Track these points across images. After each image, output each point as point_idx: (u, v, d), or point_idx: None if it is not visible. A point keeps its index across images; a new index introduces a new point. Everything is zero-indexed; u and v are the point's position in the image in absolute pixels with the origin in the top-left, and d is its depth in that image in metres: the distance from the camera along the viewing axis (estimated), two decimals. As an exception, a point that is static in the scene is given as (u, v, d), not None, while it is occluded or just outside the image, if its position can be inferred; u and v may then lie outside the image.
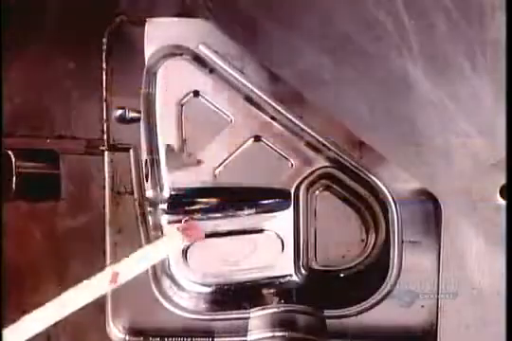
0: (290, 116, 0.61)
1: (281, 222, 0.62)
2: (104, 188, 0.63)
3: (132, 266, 0.54)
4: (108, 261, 0.63)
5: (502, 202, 0.56)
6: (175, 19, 0.60)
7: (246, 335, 0.61)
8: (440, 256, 0.57)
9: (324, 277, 0.63)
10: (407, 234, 0.60)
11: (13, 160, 0.62)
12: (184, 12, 0.60)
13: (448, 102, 0.54)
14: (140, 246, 0.63)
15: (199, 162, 0.61)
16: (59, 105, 0.63)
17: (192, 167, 0.61)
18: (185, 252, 0.62)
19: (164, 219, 0.62)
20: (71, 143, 0.63)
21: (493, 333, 0.56)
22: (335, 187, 0.63)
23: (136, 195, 0.63)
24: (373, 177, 0.61)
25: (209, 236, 0.62)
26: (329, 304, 0.62)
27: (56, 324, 0.51)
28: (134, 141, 0.63)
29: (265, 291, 0.63)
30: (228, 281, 0.63)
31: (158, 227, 0.62)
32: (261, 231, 0.63)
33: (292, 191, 0.62)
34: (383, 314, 0.60)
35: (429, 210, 0.60)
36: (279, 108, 0.61)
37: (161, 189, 0.61)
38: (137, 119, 0.62)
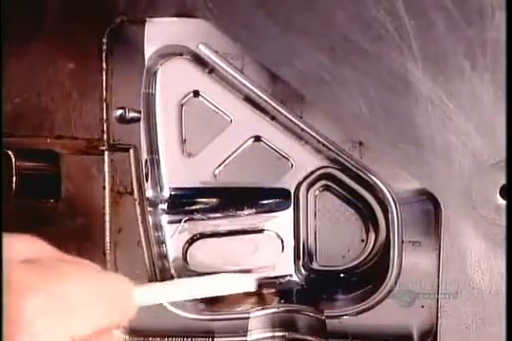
0: (290, 116, 0.61)
1: (281, 222, 0.62)
2: (104, 188, 0.63)
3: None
4: (108, 261, 0.63)
5: (503, 202, 0.56)
6: (175, 19, 0.60)
7: (246, 335, 0.61)
8: (440, 256, 0.57)
9: (324, 277, 0.63)
10: (407, 234, 0.60)
11: (13, 160, 0.62)
12: (184, 12, 0.60)
13: (447, 102, 0.54)
14: (140, 246, 0.63)
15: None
16: (59, 105, 0.63)
17: (192, 167, 0.61)
18: (185, 252, 0.62)
19: (164, 219, 0.62)
20: (71, 143, 0.63)
21: (493, 333, 0.56)
22: (335, 187, 0.63)
23: (136, 195, 0.63)
24: (373, 177, 0.61)
25: (209, 236, 0.62)
26: (329, 304, 0.62)
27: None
28: (134, 141, 0.63)
29: (265, 291, 0.63)
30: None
31: (158, 227, 0.62)
32: (261, 231, 0.63)
33: (292, 191, 0.62)
34: (383, 314, 0.60)
35: (429, 210, 0.60)
36: (279, 108, 0.61)
37: (161, 189, 0.61)
38: (137, 119, 0.62)
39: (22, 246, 0.36)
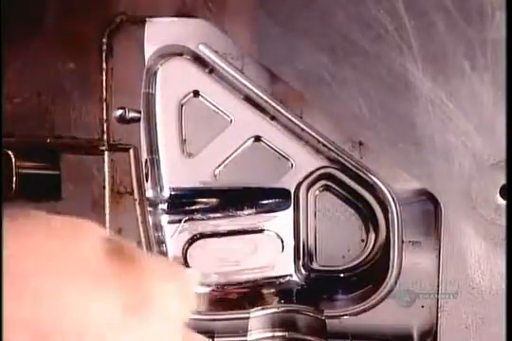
0: (290, 116, 0.61)
1: (281, 222, 0.62)
2: (104, 188, 0.63)
3: None
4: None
5: (503, 202, 0.56)
6: (175, 19, 0.60)
7: (246, 335, 0.61)
8: (440, 256, 0.57)
9: (324, 277, 0.63)
10: (407, 234, 0.60)
11: (13, 160, 0.62)
12: (184, 12, 0.60)
13: (447, 102, 0.54)
14: (140, 246, 0.63)
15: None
16: (59, 105, 0.63)
17: (192, 167, 0.61)
18: (185, 252, 0.62)
19: (164, 219, 0.62)
20: (71, 143, 0.63)
21: (493, 333, 0.56)
22: (335, 187, 0.63)
23: (136, 195, 0.63)
24: (373, 177, 0.61)
25: (209, 236, 0.62)
26: (329, 304, 0.62)
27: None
28: (134, 141, 0.63)
29: (265, 291, 0.63)
30: (228, 281, 0.63)
31: (158, 227, 0.62)
32: (261, 231, 0.63)
33: (292, 191, 0.62)
34: (383, 314, 0.60)
35: (430, 210, 0.60)
36: (279, 108, 0.61)
37: (161, 189, 0.61)
38: (137, 119, 0.62)
39: (95, 231, 0.33)
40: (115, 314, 0.29)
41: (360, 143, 0.61)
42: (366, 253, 0.63)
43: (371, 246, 0.63)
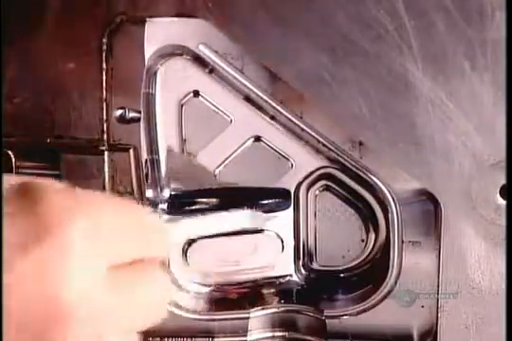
0: (290, 116, 0.61)
1: (281, 222, 0.62)
2: (104, 188, 0.63)
3: None
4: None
5: (503, 202, 0.56)
6: (175, 19, 0.60)
7: (245, 335, 0.61)
8: (440, 256, 0.57)
9: (324, 277, 0.63)
10: (407, 234, 0.60)
11: (13, 160, 0.62)
12: (184, 12, 0.60)
13: (447, 102, 0.54)
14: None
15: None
16: (59, 105, 0.63)
17: (192, 167, 0.61)
18: (185, 252, 0.62)
19: (164, 219, 0.62)
20: (71, 143, 0.63)
21: (493, 333, 0.56)
22: (335, 187, 0.63)
23: (136, 195, 0.63)
24: (373, 177, 0.61)
25: (209, 236, 0.62)
26: (329, 304, 0.62)
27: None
28: (134, 141, 0.63)
29: (265, 291, 0.63)
30: (228, 281, 0.63)
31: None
32: (261, 231, 0.62)
33: (292, 191, 0.62)
34: (383, 314, 0.60)
35: (430, 210, 0.60)
36: (279, 108, 0.61)
37: (161, 189, 0.61)
38: (137, 119, 0.62)
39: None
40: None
41: (360, 143, 0.61)
42: (366, 253, 0.63)
43: (371, 246, 0.63)
